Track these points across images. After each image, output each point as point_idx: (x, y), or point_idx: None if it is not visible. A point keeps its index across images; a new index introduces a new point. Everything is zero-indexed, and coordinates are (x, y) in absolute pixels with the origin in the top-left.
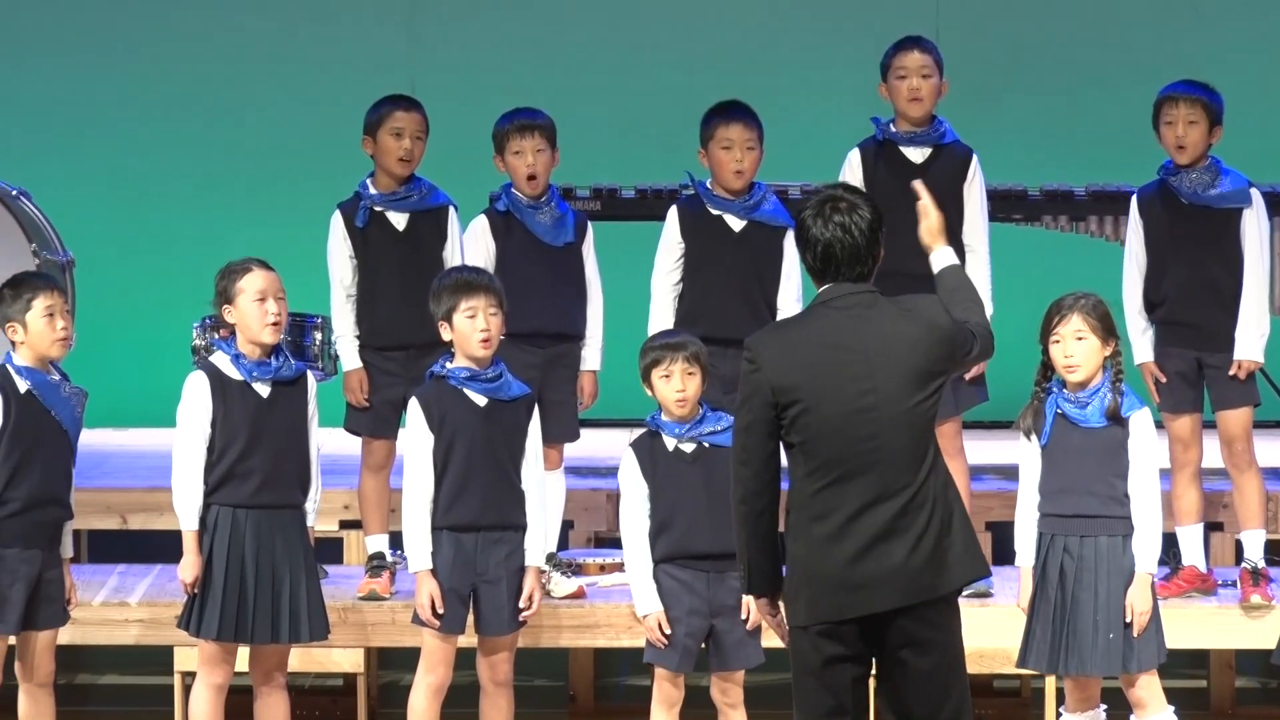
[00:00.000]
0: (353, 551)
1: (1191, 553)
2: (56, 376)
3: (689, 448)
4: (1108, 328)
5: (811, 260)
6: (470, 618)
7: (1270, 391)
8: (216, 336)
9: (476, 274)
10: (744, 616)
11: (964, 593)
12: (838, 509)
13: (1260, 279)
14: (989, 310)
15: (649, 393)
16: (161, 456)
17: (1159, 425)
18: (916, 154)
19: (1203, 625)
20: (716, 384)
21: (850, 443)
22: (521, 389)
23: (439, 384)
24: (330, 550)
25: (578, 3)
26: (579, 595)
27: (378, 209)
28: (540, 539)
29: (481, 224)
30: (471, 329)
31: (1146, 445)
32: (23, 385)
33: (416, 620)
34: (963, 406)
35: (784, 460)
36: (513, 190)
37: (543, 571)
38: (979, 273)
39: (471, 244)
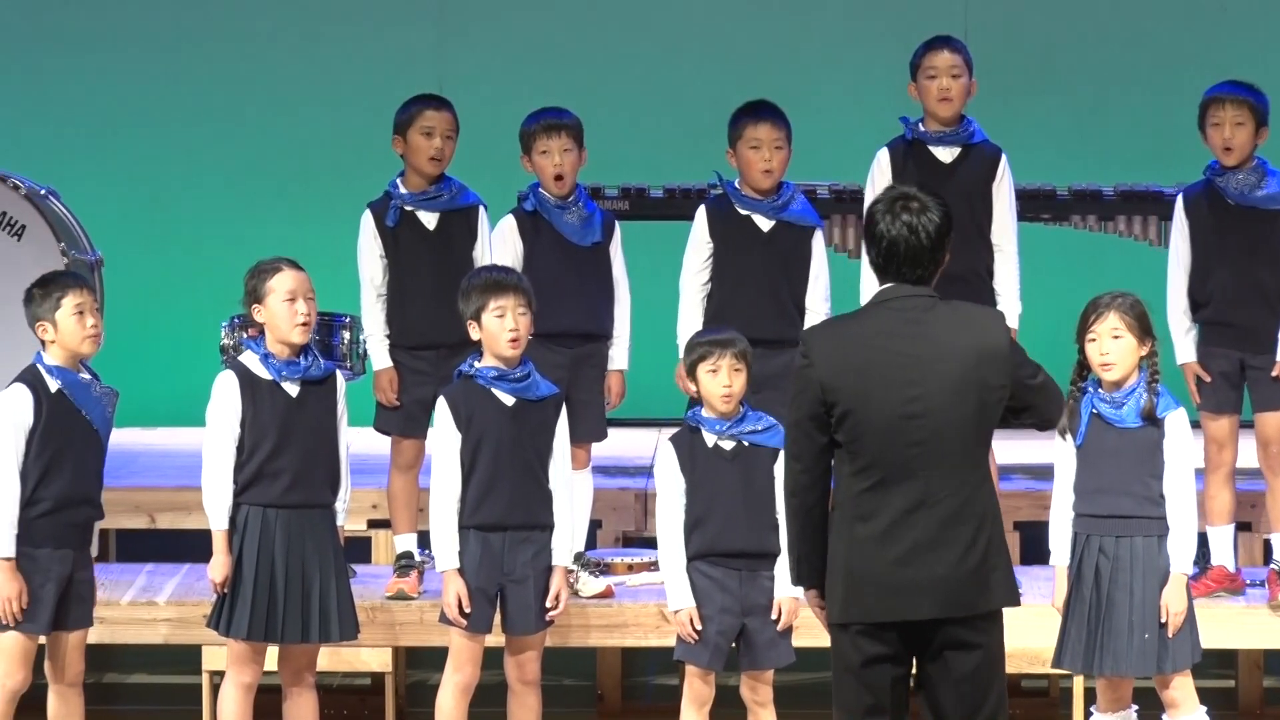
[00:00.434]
0: (381, 551)
1: (1221, 553)
2: (87, 376)
3: (728, 445)
4: (1144, 327)
5: (874, 255)
6: (498, 617)
7: None
8: (245, 336)
9: (505, 273)
10: (775, 617)
11: None
12: (880, 511)
13: None
14: (1018, 309)
15: (692, 388)
16: (190, 456)
17: (1194, 425)
18: (945, 154)
19: (1231, 625)
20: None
21: (895, 447)
22: (549, 389)
23: (467, 383)
24: (358, 550)
25: (606, 2)
26: (607, 595)
27: (408, 208)
28: (567, 538)
29: (509, 224)
30: (500, 328)
31: (1182, 445)
32: (54, 385)
33: (444, 620)
34: None
35: None
36: (540, 190)
37: (570, 571)
38: (1008, 272)
39: (499, 244)
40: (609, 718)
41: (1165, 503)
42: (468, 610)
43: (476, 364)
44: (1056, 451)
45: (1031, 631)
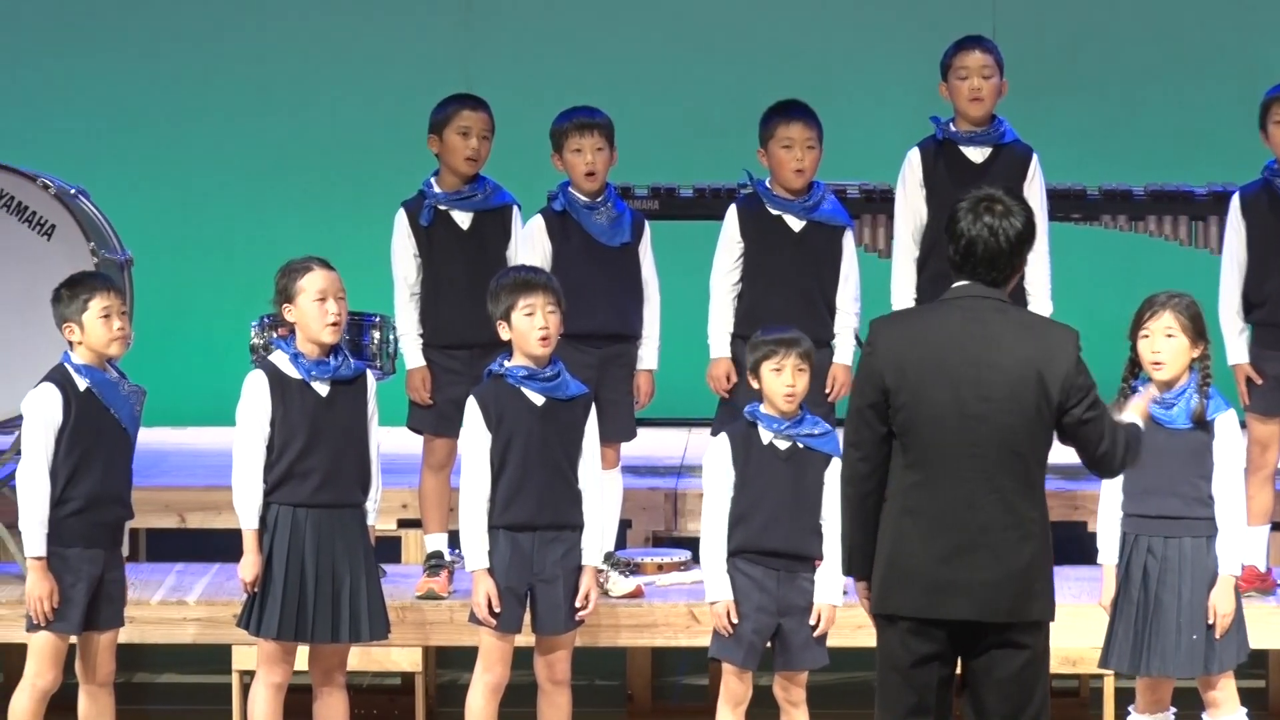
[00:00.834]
0: (411, 550)
1: (1254, 553)
2: (115, 374)
3: (784, 445)
4: (1198, 329)
5: (953, 253)
6: (527, 617)
7: None
8: (275, 335)
9: (534, 273)
10: (814, 622)
11: None
12: (927, 507)
13: None
14: (1049, 309)
15: (754, 384)
16: (220, 455)
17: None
18: (976, 153)
19: (1262, 625)
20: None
21: (946, 445)
22: (579, 388)
23: (497, 383)
24: (389, 549)
25: (634, 2)
26: (637, 595)
27: (442, 207)
28: (597, 538)
29: (537, 224)
30: (530, 327)
31: (1232, 447)
32: (82, 383)
33: (473, 619)
34: None
35: None
36: (570, 189)
37: (600, 571)
38: (1039, 272)
39: (527, 244)
40: (639, 718)
41: (1214, 504)
42: (497, 610)
43: (506, 363)
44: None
45: (1063, 632)
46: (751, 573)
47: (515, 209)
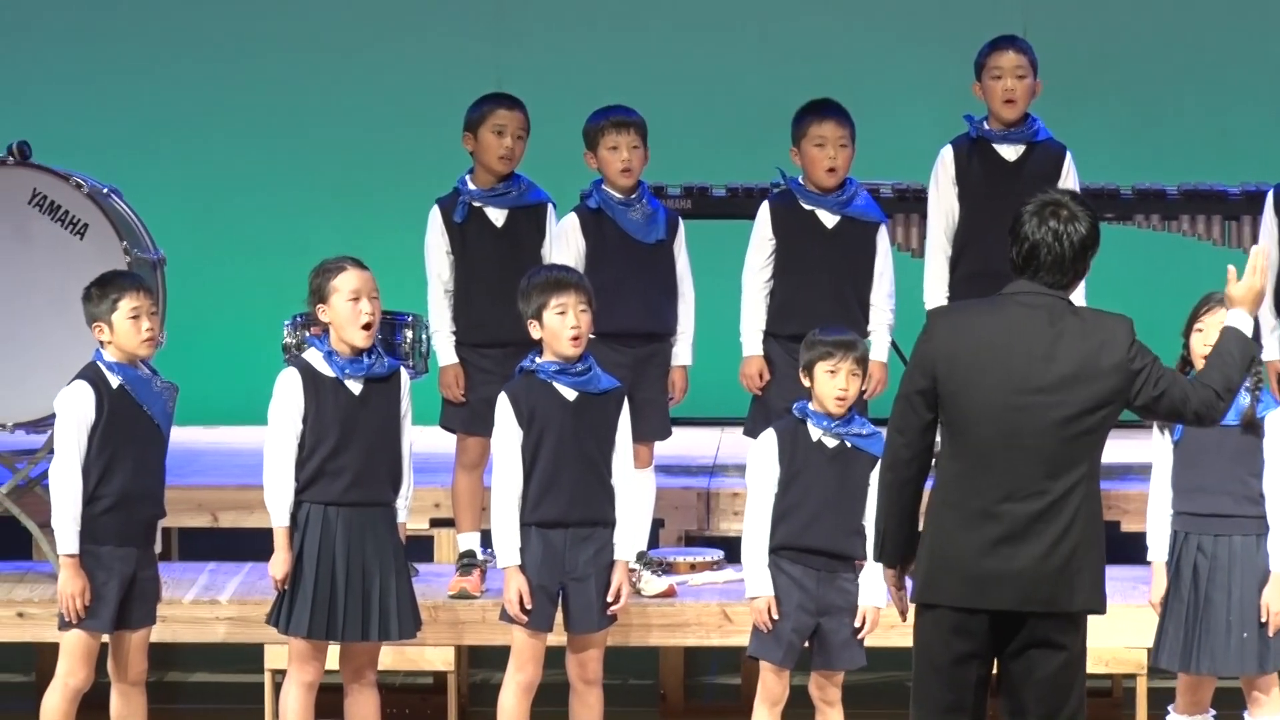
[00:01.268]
0: (443, 549)
1: None
2: (147, 371)
3: (831, 443)
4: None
5: (1015, 256)
6: (560, 616)
7: None
8: (309, 334)
9: (565, 271)
10: (859, 625)
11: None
12: (971, 498)
13: None
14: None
15: (806, 383)
16: (252, 454)
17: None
18: (1010, 151)
19: None
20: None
21: (993, 436)
22: (611, 382)
23: (528, 379)
24: (421, 548)
25: (664, 2)
26: (669, 594)
27: (477, 205)
28: (629, 533)
29: (572, 222)
30: (561, 325)
31: None
32: (114, 381)
33: (504, 617)
34: None
35: None
36: (604, 187)
37: (633, 569)
38: None
39: (561, 242)
40: (671, 717)
41: (1264, 502)
42: (529, 607)
43: (537, 359)
44: (1155, 448)
45: (1095, 631)
46: (792, 571)
47: (550, 207)
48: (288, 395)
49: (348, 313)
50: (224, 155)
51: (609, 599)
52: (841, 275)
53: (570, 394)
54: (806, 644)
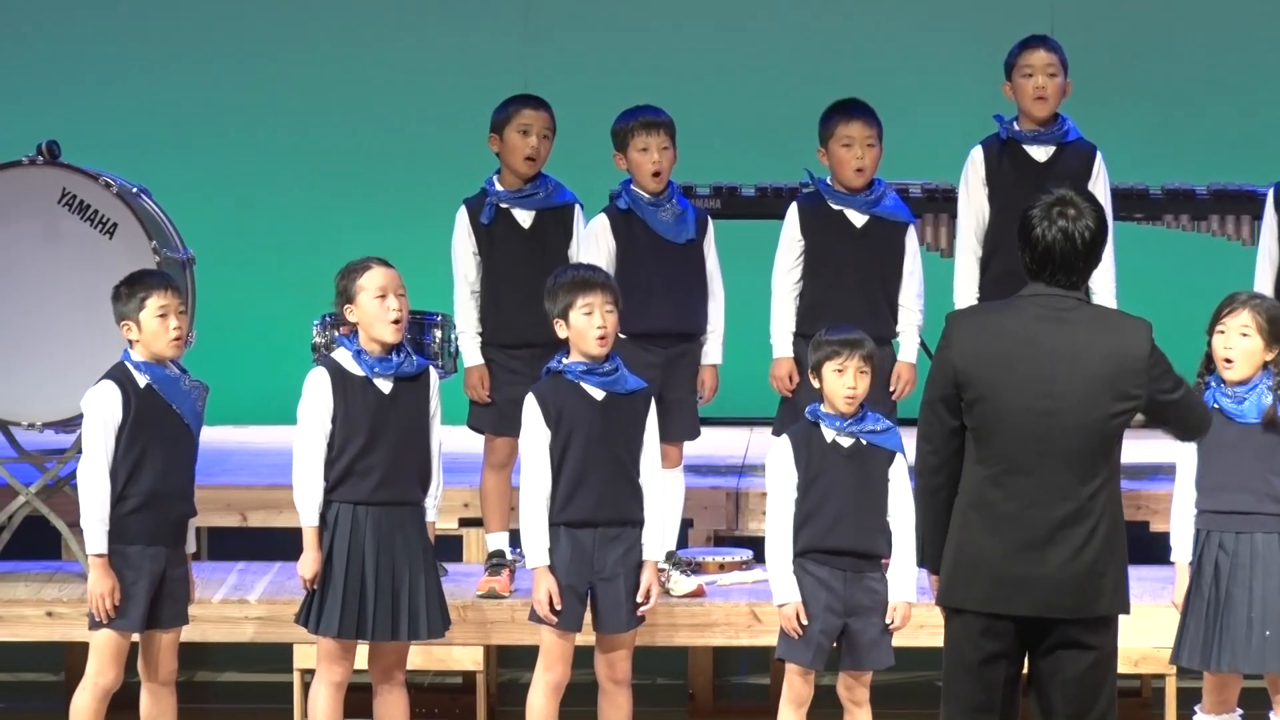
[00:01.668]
0: (472, 549)
1: None
2: (176, 371)
3: (847, 442)
4: (1275, 332)
5: (1029, 260)
6: (588, 616)
7: None
8: (338, 334)
9: (592, 271)
10: (889, 621)
11: None
12: (1000, 503)
13: None
14: (1113, 306)
15: (815, 383)
16: (281, 454)
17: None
18: (1040, 152)
19: None
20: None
21: (1020, 440)
22: (638, 383)
23: (555, 379)
24: (450, 548)
25: (692, 2)
26: (698, 594)
27: (503, 205)
28: (658, 533)
29: (602, 223)
30: (588, 325)
31: None
32: (142, 380)
33: (534, 617)
34: None
35: None
36: (633, 188)
37: (662, 569)
38: (1103, 271)
39: (591, 242)
40: (700, 717)
41: None
42: (558, 608)
43: (564, 360)
44: (1179, 448)
45: (1127, 632)
46: (818, 573)
47: (577, 207)
48: (317, 394)
49: (375, 310)
50: (253, 155)
51: (639, 600)
52: (870, 275)
53: (598, 394)
54: (835, 645)
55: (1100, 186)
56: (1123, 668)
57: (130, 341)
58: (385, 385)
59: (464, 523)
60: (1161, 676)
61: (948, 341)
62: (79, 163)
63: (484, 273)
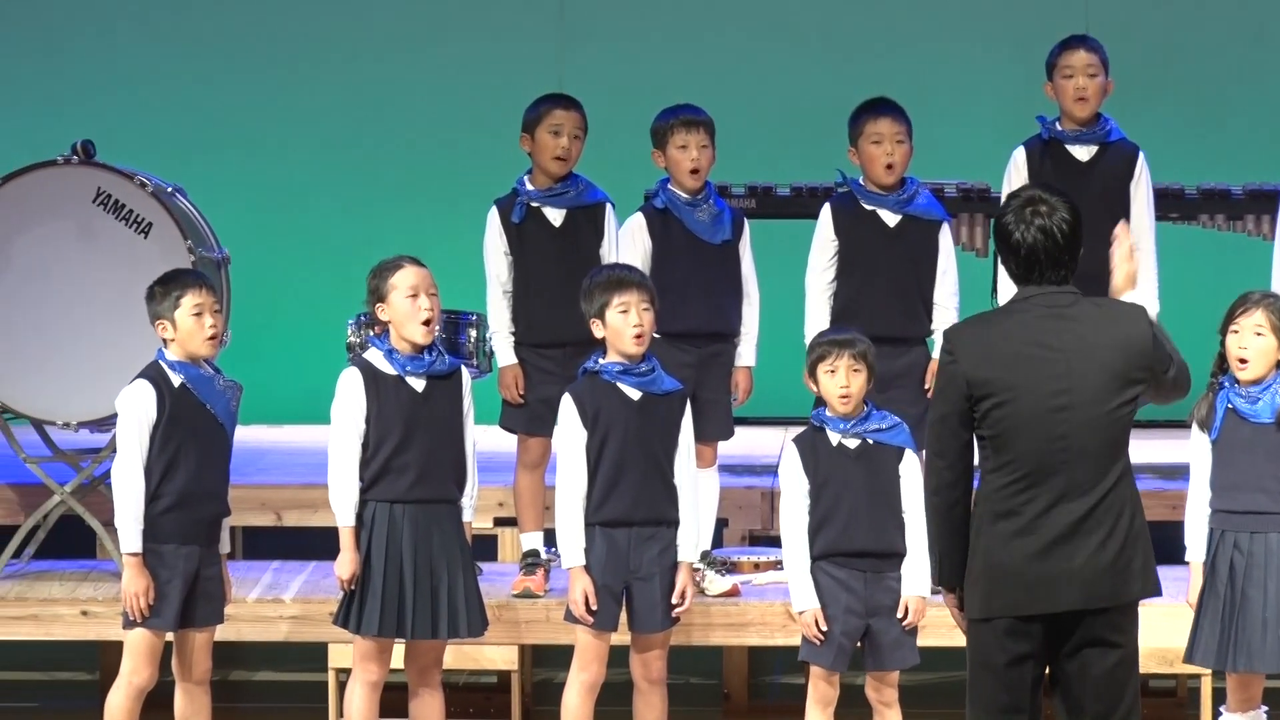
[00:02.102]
0: (507, 549)
1: None
2: (210, 370)
3: (853, 444)
4: None
5: (1014, 265)
6: (624, 615)
7: None
8: (372, 334)
9: (628, 270)
10: (901, 616)
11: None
12: (1025, 506)
13: None
14: (1155, 309)
15: (813, 388)
16: (316, 453)
17: None
18: (1083, 152)
19: None
20: (874, 382)
21: (1041, 441)
22: (674, 384)
23: (592, 379)
24: (485, 547)
25: (729, 2)
26: (733, 593)
27: (534, 205)
28: (693, 534)
29: (638, 222)
30: (624, 325)
31: None
32: (176, 379)
33: (569, 617)
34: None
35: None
36: (670, 187)
37: (697, 569)
38: (1145, 271)
39: (627, 241)
40: (735, 717)
41: None
42: (594, 608)
43: (601, 360)
44: (1192, 447)
45: (1160, 631)
46: (838, 574)
47: (608, 207)
48: (349, 394)
49: (407, 309)
50: (289, 155)
51: (674, 601)
52: (905, 275)
53: (634, 394)
54: (859, 645)
55: (1142, 186)
56: (1157, 667)
57: (165, 341)
58: (418, 384)
59: (499, 522)
60: (1197, 676)
61: (953, 356)
62: (114, 162)
63: (515, 272)
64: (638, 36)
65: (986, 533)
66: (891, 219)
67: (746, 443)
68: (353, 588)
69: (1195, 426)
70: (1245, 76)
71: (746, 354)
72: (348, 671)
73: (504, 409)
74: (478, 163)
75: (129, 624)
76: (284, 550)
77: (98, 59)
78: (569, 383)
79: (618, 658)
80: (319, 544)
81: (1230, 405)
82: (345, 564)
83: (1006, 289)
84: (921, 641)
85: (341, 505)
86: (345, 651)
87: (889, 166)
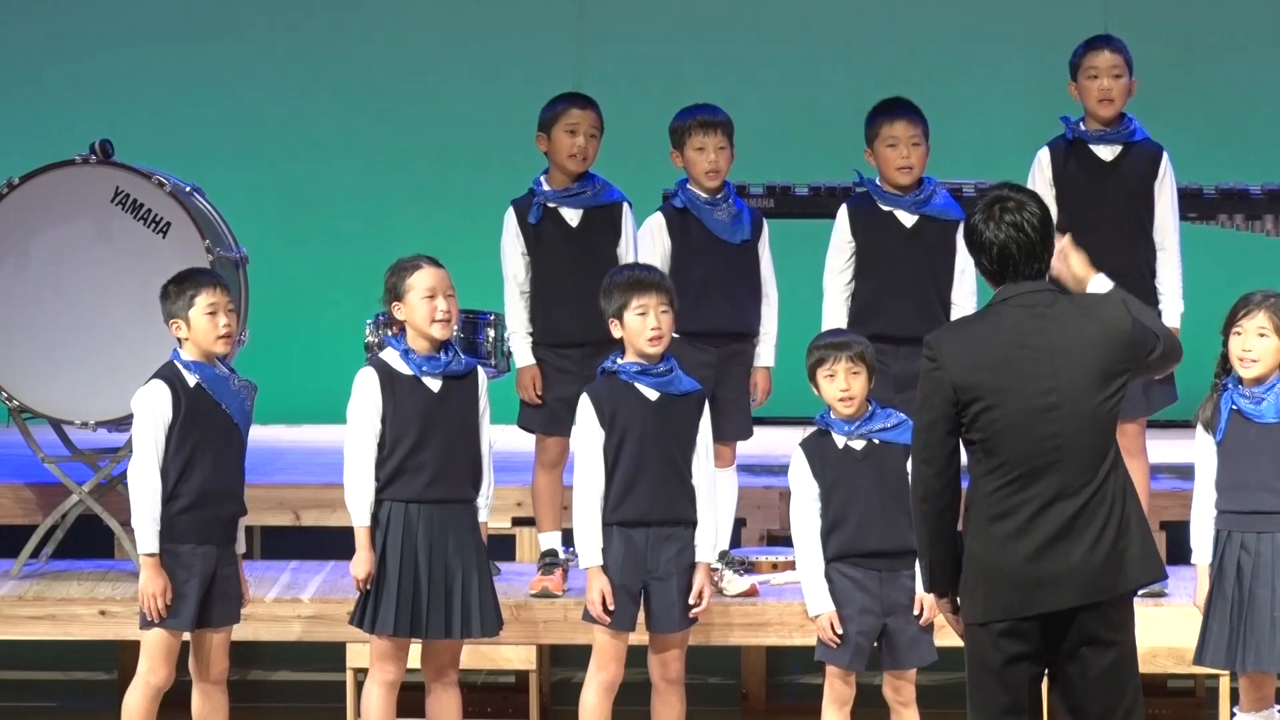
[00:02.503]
0: (525, 548)
1: None
2: (225, 370)
3: (859, 445)
4: None
5: (988, 264)
6: (641, 615)
7: None
8: (389, 333)
9: (648, 271)
10: (917, 613)
11: (1138, 592)
12: (1018, 508)
13: None
14: (1180, 308)
15: (816, 392)
16: (334, 453)
17: None
18: (1107, 152)
19: None
20: (889, 383)
21: (1031, 441)
22: (692, 384)
23: (610, 379)
24: (503, 547)
25: (747, 1)
26: (751, 593)
27: (551, 205)
28: (710, 535)
29: (658, 221)
30: (642, 326)
31: None
32: (191, 379)
33: (587, 617)
34: (1154, 406)
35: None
36: (689, 187)
37: (715, 569)
38: (1170, 271)
39: (647, 241)
40: (753, 717)
41: None
42: (611, 608)
43: (619, 360)
44: (1198, 448)
45: (1178, 631)
46: (852, 574)
47: (625, 206)
48: (365, 394)
49: (424, 310)
50: (308, 154)
51: (691, 601)
52: (922, 275)
53: (652, 395)
54: (876, 645)
55: (1166, 186)
56: (1176, 667)
57: (180, 340)
58: (434, 384)
59: (517, 522)
60: (1214, 676)
61: (937, 362)
62: (132, 162)
63: (533, 272)
64: (657, 37)
65: (981, 536)
66: (909, 219)
67: (765, 443)
68: (368, 587)
69: (1200, 428)
70: (1263, 76)
71: (765, 354)
72: (365, 671)
73: (522, 409)
74: (497, 163)
75: (145, 624)
76: (302, 550)
77: (116, 58)
78: (587, 382)
79: (636, 658)
80: (337, 544)
81: (1234, 406)
82: (360, 564)
83: None
84: (938, 641)
85: (357, 505)
86: (363, 651)
87: (904, 168)
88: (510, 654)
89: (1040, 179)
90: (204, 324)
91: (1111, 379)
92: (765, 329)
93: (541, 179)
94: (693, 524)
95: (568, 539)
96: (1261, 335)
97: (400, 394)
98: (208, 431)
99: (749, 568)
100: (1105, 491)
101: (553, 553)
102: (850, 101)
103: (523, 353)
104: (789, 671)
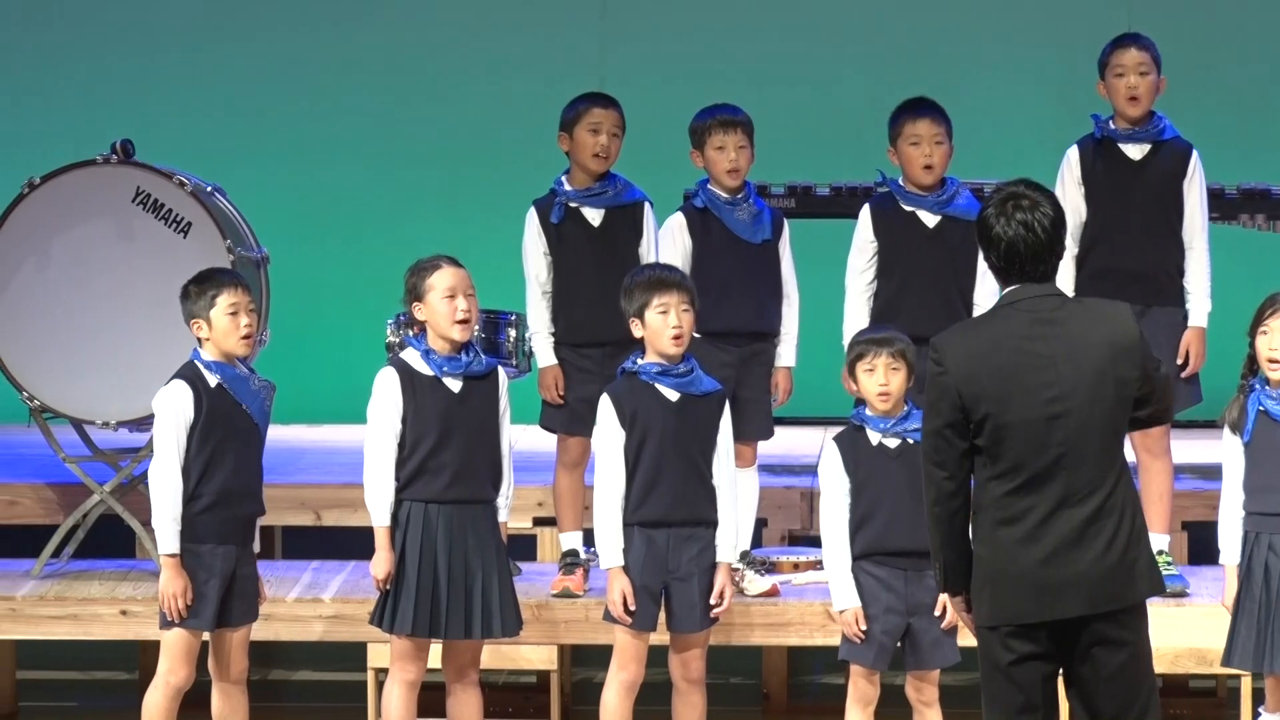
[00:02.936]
0: (546, 548)
1: None
2: (245, 370)
3: (893, 443)
4: None
5: (995, 260)
6: (662, 615)
7: None
8: (410, 334)
9: (669, 271)
10: (940, 614)
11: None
12: (1026, 513)
13: None
14: (1207, 307)
15: (853, 387)
16: (355, 453)
17: None
18: (1135, 150)
19: None
20: (914, 382)
21: (1038, 447)
22: (713, 384)
23: (630, 380)
24: (524, 547)
25: (769, 1)
26: (773, 593)
27: (573, 205)
28: (731, 535)
29: (679, 221)
30: (663, 325)
31: None
32: (212, 379)
33: (608, 617)
34: (1178, 407)
35: None
36: (709, 186)
37: (736, 569)
38: (1198, 271)
39: (668, 241)
40: (775, 717)
41: None
42: (632, 608)
43: (640, 360)
44: (1225, 449)
45: (1199, 631)
46: (878, 573)
47: (647, 206)
48: (386, 394)
49: (444, 310)
50: (328, 154)
51: (712, 601)
52: (944, 275)
53: (673, 395)
54: (899, 644)
55: (1195, 184)
56: (1198, 668)
57: (200, 340)
58: (454, 384)
59: (538, 522)
60: (1236, 676)
61: (943, 368)
62: (153, 162)
63: (555, 272)
64: (679, 36)
65: (989, 540)
66: (931, 219)
67: (786, 443)
68: (388, 587)
69: (1227, 429)
70: None
71: (786, 354)
72: (386, 671)
73: (544, 409)
74: (519, 162)
75: (166, 624)
76: (323, 550)
77: (137, 57)
78: (608, 382)
79: (657, 657)
80: (358, 544)
81: (1262, 407)
82: (380, 563)
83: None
84: (961, 642)
85: (377, 505)
86: (384, 651)
87: (927, 167)
88: (531, 654)
89: (1069, 178)
90: (225, 324)
91: (1119, 385)
92: (786, 329)
93: (563, 179)
94: (714, 524)
95: (589, 539)
96: None
97: (421, 394)
98: (229, 432)
99: (770, 568)
100: (1115, 500)
101: (574, 553)
102: (872, 101)
103: (545, 353)
104: (810, 671)
